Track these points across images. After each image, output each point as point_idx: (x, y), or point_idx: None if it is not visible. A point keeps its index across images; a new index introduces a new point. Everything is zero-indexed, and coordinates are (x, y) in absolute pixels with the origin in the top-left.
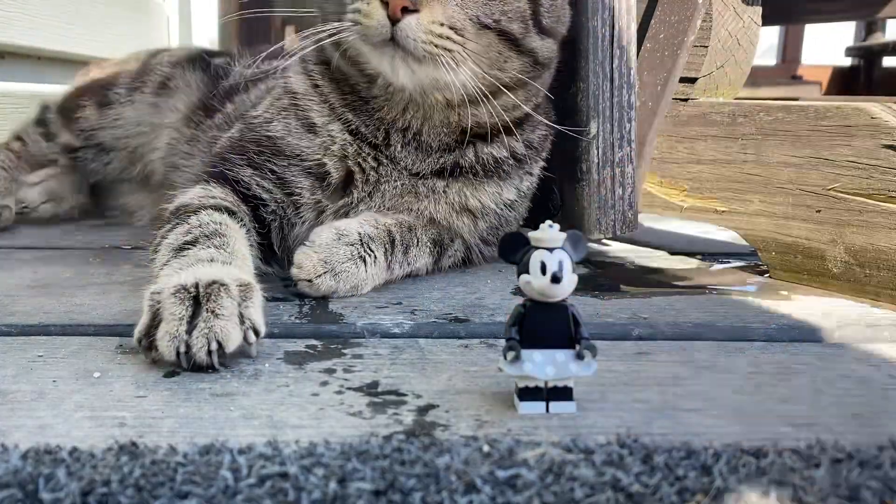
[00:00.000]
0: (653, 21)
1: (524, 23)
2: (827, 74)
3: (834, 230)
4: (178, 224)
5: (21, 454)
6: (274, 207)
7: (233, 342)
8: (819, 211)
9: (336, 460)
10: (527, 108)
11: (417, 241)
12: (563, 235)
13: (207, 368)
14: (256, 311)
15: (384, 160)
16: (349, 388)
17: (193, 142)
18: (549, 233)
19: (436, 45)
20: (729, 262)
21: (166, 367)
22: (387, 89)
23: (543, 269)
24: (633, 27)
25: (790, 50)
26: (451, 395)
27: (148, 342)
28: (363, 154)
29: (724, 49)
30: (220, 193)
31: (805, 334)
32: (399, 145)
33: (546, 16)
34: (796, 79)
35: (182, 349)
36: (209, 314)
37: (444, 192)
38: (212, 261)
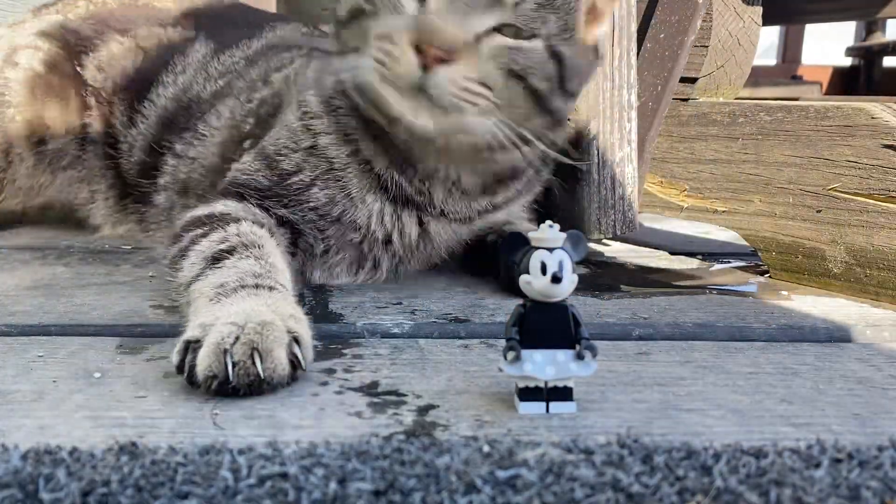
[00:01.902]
0: (653, 21)
1: (550, 82)
2: (827, 74)
3: (834, 230)
4: (210, 230)
5: (21, 454)
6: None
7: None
8: (819, 211)
9: (336, 460)
10: (548, 151)
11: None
12: (563, 235)
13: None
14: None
15: (424, 217)
16: (349, 389)
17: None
18: (549, 233)
19: (464, 99)
20: (729, 262)
21: (166, 367)
22: (410, 131)
23: (543, 269)
24: (633, 27)
25: (790, 50)
26: (451, 395)
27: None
28: (402, 221)
29: (725, 49)
30: (248, 208)
31: (805, 334)
32: (441, 194)
33: (572, 82)
34: (796, 79)
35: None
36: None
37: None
38: (257, 286)
